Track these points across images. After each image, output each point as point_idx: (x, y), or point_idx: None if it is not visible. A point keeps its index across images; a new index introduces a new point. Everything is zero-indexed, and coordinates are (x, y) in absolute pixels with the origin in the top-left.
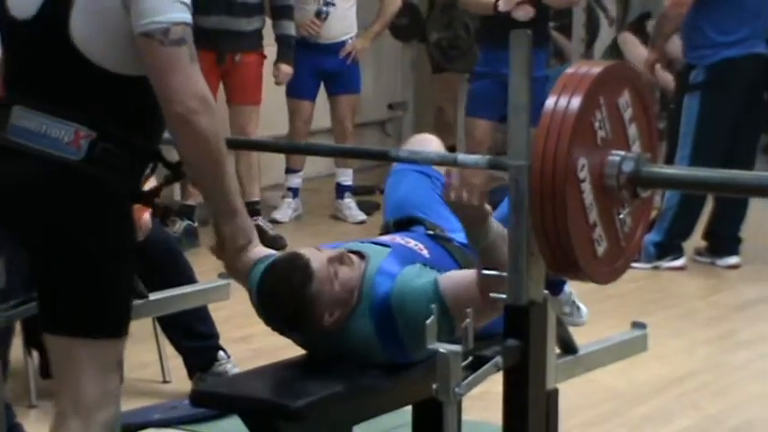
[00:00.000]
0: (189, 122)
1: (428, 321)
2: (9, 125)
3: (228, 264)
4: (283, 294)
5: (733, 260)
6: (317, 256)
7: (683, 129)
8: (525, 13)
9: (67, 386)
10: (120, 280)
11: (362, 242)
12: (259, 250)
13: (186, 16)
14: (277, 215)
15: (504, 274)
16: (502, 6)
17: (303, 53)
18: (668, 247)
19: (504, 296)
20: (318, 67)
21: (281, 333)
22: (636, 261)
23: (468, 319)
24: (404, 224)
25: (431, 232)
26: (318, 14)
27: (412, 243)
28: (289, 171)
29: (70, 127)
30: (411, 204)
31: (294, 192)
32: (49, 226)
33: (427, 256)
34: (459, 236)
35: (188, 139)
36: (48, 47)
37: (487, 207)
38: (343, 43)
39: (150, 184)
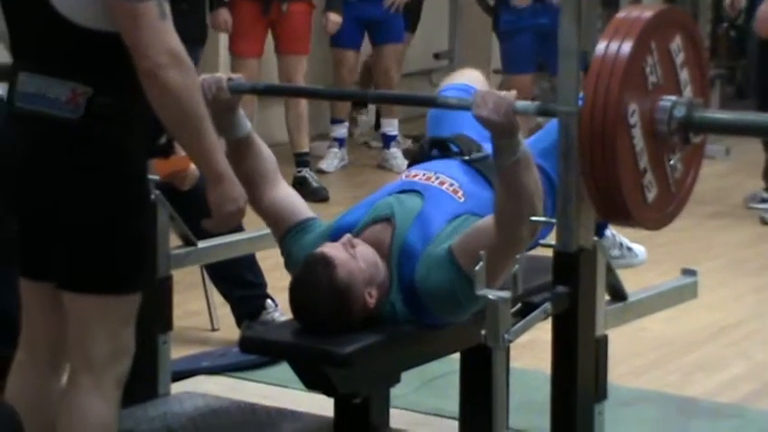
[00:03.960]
0: (156, 77)
1: (477, 268)
2: (15, 92)
3: (215, 230)
4: (318, 293)
5: None
6: (328, 247)
7: None
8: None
9: (80, 343)
10: (133, 234)
11: (397, 192)
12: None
13: None
14: (323, 165)
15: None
16: None
17: (346, 3)
18: None
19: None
20: (362, 16)
21: (343, 332)
22: None
23: (516, 266)
24: (440, 145)
25: (466, 158)
26: None
27: (446, 184)
28: (334, 121)
29: (66, 86)
30: (449, 117)
31: (340, 142)
32: (57, 186)
33: (462, 200)
34: None
35: (156, 93)
36: (33, 11)
37: (517, 120)
38: None
39: None
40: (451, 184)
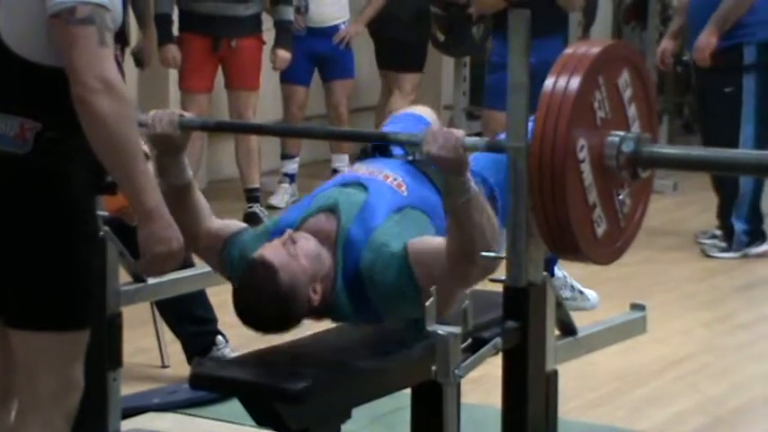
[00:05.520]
0: (87, 102)
1: (427, 303)
2: None
3: (145, 273)
4: (261, 300)
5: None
6: (268, 248)
7: (745, 110)
8: None
9: (28, 379)
10: (82, 270)
11: (341, 183)
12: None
13: None
14: (274, 200)
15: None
16: None
17: (296, 38)
18: (754, 234)
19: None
20: (312, 52)
21: (287, 331)
22: (726, 251)
23: (467, 301)
24: (383, 147)
25: (410, 158)
26: (298, 10)
27: (390, 178)
28: (285, 157)
29: (14, 121)
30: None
31: (291, 177)
32: (2, 221)
33: (405, 194)
34: None
35: (87, 119)
36: None
37: (467, 156)
38: (335, 27)
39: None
40: (395, 179)
